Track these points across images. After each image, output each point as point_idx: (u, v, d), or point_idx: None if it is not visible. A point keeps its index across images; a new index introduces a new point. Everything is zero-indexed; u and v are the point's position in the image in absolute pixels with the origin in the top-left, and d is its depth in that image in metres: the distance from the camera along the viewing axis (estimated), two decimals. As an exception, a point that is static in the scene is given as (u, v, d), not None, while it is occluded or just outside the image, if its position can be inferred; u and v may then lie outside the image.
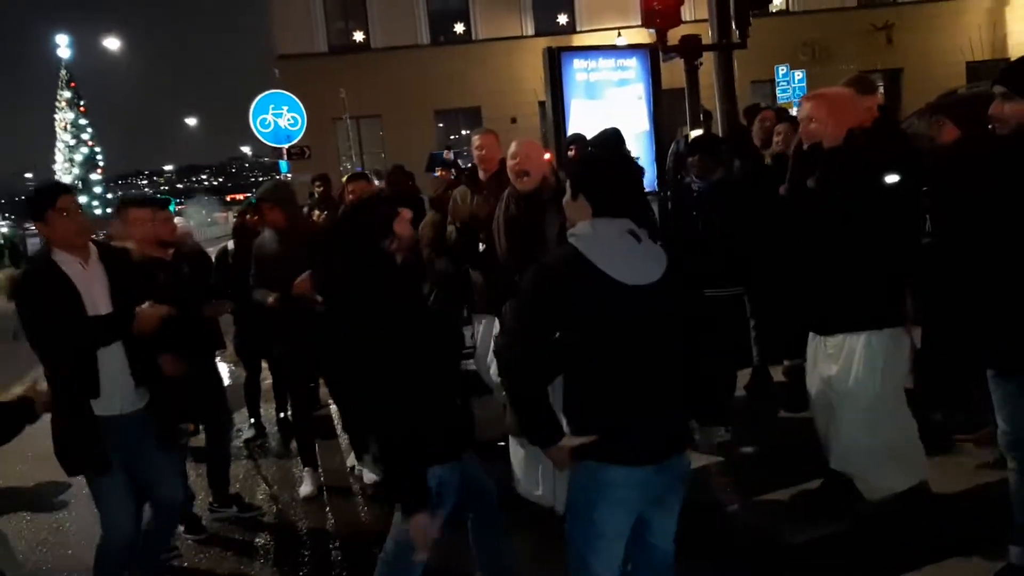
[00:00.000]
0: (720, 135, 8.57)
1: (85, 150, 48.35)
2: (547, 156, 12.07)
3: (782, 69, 20.46)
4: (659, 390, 2.64)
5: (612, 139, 6.36)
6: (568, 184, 2.80)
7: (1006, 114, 3.19)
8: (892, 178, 3.76)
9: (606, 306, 2.55)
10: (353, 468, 5.53)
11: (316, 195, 9.44)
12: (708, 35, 10.24)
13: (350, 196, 5.83)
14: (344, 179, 6.88)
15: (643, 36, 18.39)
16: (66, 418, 3.55)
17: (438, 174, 10.19)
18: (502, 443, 4.93)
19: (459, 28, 24.80)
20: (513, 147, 4.67)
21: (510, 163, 4.64)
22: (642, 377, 2.61)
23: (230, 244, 6.63)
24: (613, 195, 2.73)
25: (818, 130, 3.91)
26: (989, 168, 3.33)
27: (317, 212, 6.73)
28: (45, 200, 3.58)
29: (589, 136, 7.08)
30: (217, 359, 5.71)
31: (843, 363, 3.94)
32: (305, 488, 5.41)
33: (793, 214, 4.19)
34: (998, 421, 3.52)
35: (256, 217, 6.01)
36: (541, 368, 2.65)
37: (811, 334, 4.16)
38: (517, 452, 4.58)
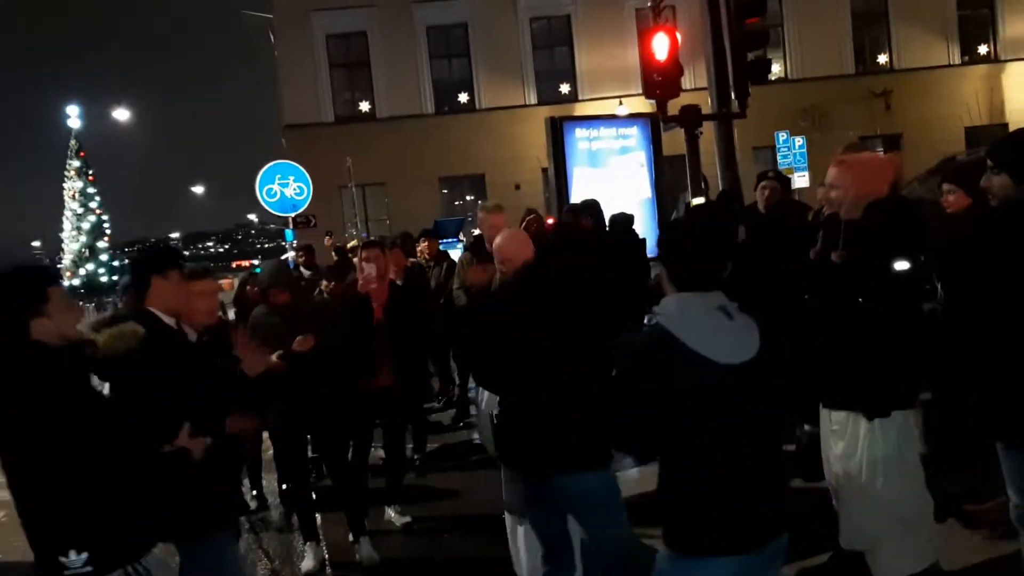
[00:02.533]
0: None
1: (93, 218, 48.75)
2: (550, 221, 12.18)
3: (782, 135, 20.70)
4: (757, 471, 2.54)
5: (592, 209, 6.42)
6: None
7: (994, 188, 3.29)
8: (902, 265, 3.63)
9: (698, 385, 2.44)
10: (359, 541, 5.42)
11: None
12: (708, 104, 10.42)
13: (364, 263, 5.82)
14: (357, 245, 7.03)
15: (644, 104, 18.65)
16: None
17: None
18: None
19: (463, 98, 25.21)
20: (500, 248, 4.44)
21: (500, 268, 4.46)
22: (739, 459, 2.49)
23: (231, 314, 6.64)
24: (692, 269, 2.60)
25: (838, 198, 3.77)
26: (991, 238, 3.35)
27: (325, 282, 6.79)
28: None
29: (601, 204, 7.08)
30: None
31: (848, 441, 3.79)
32: (307, 563, 5.31)
33: (813, 284, 4.04)
34: (1009, 494, 3.46)
35: (255, 290, 6.03)
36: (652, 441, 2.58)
37: (820, 405, 4.08)
38: (516, 531, 4.46)
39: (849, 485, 3.86)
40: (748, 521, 2.51)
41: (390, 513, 6.02)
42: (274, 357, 4.98)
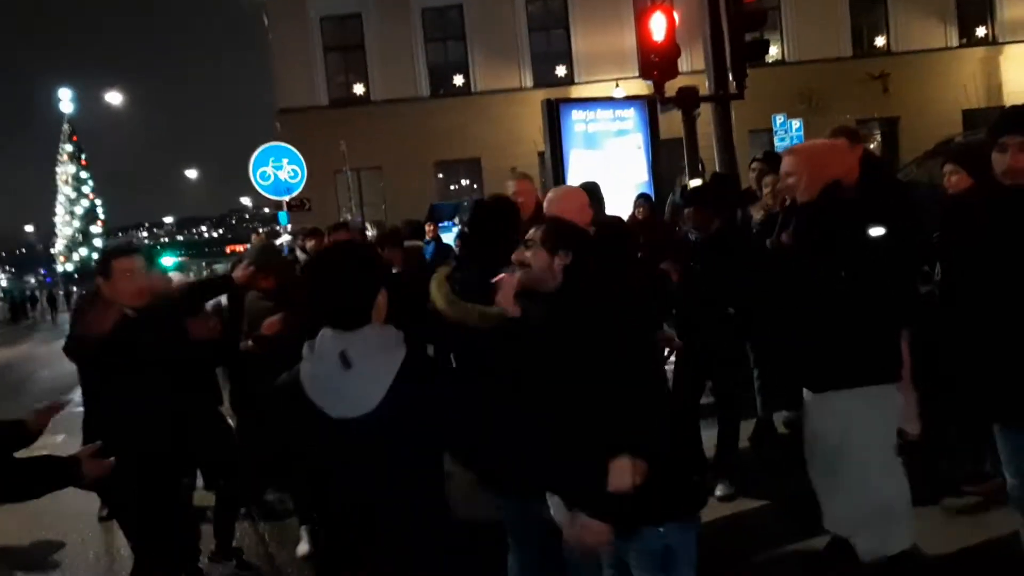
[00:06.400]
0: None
1: (86, 203, 48.68)
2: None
3: (779, 118, 20.65)
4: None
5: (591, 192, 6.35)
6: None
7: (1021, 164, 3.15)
8: (877, 231, 3.64)
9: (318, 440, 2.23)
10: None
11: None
12: (705, 86, 10.36)
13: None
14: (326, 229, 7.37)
15: (641, 87, 18.58)
16: None
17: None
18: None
19: (458, 80, 25.09)
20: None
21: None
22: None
23: (224, 298, 6.56)
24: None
25: (794, 185, 3.78)
26: (999, 217, 3.31)
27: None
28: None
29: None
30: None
31: (831, 421, 3.76)
32: (303, 547, 5.30)
33: (776, 269, 4.06)
34: (1006, 475, 3.45)
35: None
36: None
37: (804, 389, 4.06)
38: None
39: (832, 465, 3.84)
40: None
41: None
42: (250, 342, 4.95)
